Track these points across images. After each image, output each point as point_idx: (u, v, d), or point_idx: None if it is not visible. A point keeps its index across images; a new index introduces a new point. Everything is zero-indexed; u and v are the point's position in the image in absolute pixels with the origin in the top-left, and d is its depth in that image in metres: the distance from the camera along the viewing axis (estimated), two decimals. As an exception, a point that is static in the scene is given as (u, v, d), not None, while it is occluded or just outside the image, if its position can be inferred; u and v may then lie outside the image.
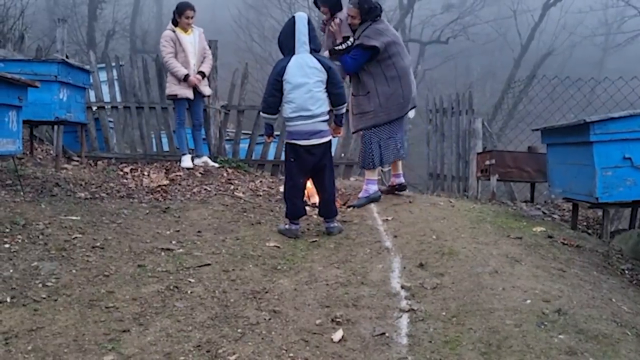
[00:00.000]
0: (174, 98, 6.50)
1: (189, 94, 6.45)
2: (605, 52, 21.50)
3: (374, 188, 5.10)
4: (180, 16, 6.41)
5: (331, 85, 4.25)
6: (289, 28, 4.21)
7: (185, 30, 6.47)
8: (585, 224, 5.64)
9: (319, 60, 4.21)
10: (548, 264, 3.45)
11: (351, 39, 4.95)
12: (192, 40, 6.49)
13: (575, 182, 4.62)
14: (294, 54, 4.20)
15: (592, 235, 4.87)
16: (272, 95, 4.24)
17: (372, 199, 5.06)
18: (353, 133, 5.33)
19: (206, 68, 6.59)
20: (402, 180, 5.36)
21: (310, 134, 4.24)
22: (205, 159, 6.72)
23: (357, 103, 5.06)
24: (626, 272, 3.73)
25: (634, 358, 2.36)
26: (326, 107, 4.28)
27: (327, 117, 4.31)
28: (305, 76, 4.16)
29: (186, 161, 6.55)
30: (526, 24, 18.61)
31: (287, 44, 4.23)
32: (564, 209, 6.23)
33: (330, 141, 4.39)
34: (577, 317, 2.67)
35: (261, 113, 4.46)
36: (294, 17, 4.27)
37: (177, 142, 7.00)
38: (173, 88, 6.44)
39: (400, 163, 5.27)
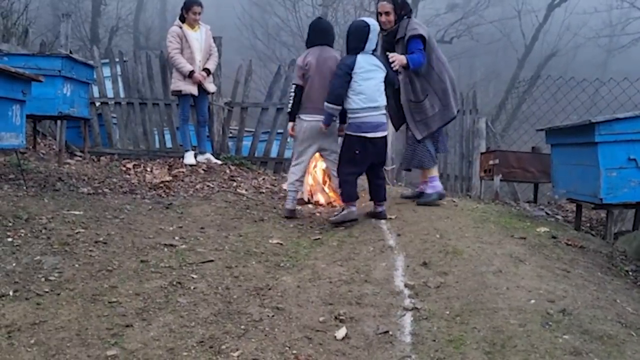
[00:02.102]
0: (179, 94, 6.48)
1: (194, 90, 6.43)
2: (609, 54, 21.43)
3: (439, 184, 4.98)
4: (188, 12, 6.38)
5: (389, 84, 4.60)
6: (363, 34, 4.44)
7: (192, 27, 6.44)
8: (588, 224, 5.63)
9: (378, 59, 4.54)
10: (552, 264, 3.44)
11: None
12: (199, 36, 6.47)
13: (579, 182, 4.60)
14: (358, 54, 4.48)
15: (596, 236, 4.85)
16: (342, 87, 4.47)
17: (441, 197, 4.96)
18: (420, 141, 4.86)
19: (211, 65, 6.58)
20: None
21: (377, 127, 4.49)
22: (208, 155, 6.71)
23: (417, 109, 4.81)
24: (630, 273, 3.71)
25: (639, 359, 2.34)
26: (385, 101, 4.58)
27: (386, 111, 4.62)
28: (374, 71, 4.48)
29: (189, 158, 6.53)
30: (530, 24, 18.56)
31: (356, 46, 4.48)
32: (567, 210, 6.21)
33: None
34: (581, 318, 2.66)
35: (328, 104, 4.51)
36: (368, 25, 4.46)
37: (180, 138, 7.00)
38: (178, 84, 6.42)
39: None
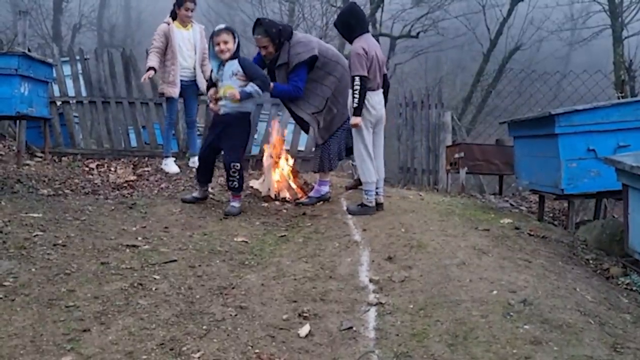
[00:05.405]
0: (162, 96, 6.18)
1: (172, 92, 5.98)
2: (571, 47, 21.81)
3: (326, 189, 5.08)
4: (180, 7, 5.98)
5: None
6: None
7: (184, 25, 6.05)
8: (551, 215, 5.73)
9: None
10: (514, 255, 3.48)
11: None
12: (190, 36, 6.08)
13: (541, 174, 4.67)
14: None
15: (558, 226, 4.94)
16: None
17: (323, 199, 5.04)
18: (320, 145, 4.97)
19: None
20: None
21: None
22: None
23: (320, 118, 4.91)
24: (590, 261, 3.79)
25: (596, 346, 2.38)
26: None
27: None
28: None
29: (171, 166, 6.17)
30: (495, 18, 18.73)
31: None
32: (531, 201, 6.32)
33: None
34: (542, 307, 2.70)
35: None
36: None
37: (163, 142, 6.46)
38: (161, 86, 6.08)
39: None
